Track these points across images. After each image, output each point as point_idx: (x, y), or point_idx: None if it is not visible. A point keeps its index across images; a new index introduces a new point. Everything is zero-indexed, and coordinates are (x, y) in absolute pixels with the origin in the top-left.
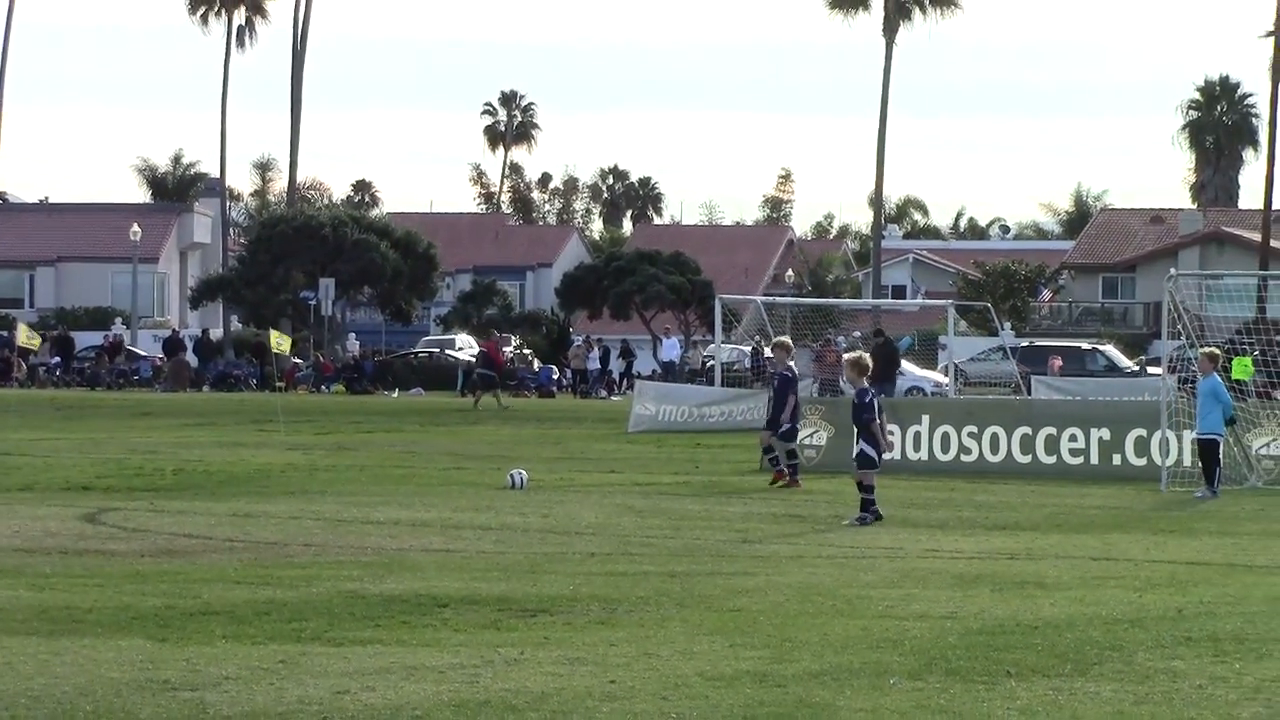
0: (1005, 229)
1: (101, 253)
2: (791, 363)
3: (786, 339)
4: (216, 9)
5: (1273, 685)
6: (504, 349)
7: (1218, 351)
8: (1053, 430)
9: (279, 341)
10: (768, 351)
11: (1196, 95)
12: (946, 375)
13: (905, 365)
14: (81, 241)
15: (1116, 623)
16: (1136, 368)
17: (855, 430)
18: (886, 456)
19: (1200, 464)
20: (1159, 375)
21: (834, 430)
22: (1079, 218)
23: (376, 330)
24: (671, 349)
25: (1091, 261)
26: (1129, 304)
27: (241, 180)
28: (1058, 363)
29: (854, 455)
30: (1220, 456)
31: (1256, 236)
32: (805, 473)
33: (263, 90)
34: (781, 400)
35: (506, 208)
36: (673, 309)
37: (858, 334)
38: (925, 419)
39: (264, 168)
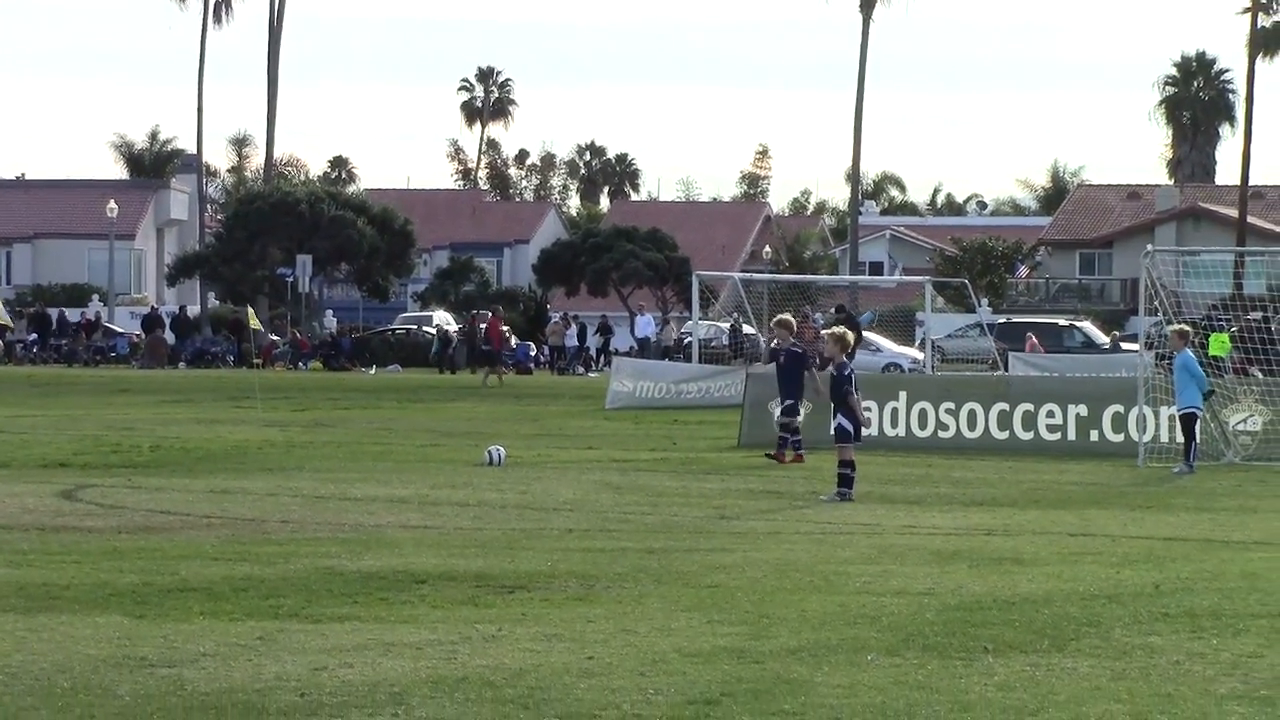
0: (982, 205)
1: (78, 229)
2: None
3: (788, 316)
4: None
5: (1249, 661)
6: (504, 326)
7: (1188, 328)
8: (1030, 406)
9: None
10: (746, 328)
11: (1173, 71)
12: (923, 351)
13: (881, 342)
14: (58, 218)
15: (1094, 598)
16: (1109, 344)
17: (833, 405)
18: (864, 433)
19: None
20: (1134, 351)
21: (811, 406)
22: (1056, 194)
23: (354, 307)
24: (646, 326)
25: (1068, 238)
26: (1106, 280)
27: (218, 157)
28: (1032, 341)
29: (832, 429)
30: (1196, 432)
31: (1233, 212)
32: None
33: (240, 66)
34: (796, 377)
35: (484, 184)
36: (650, 286)
37: (834, 310)
38: (903, 395)
39: (240, 143)
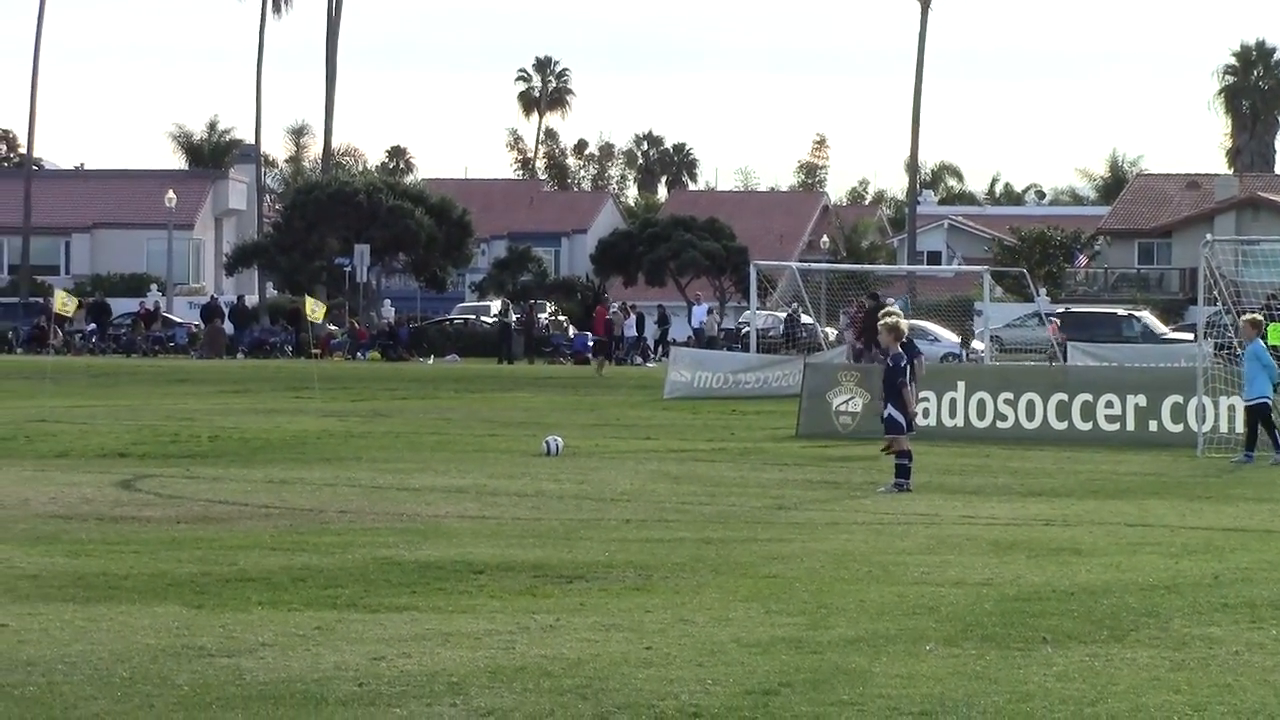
0: (1041, 195)
1: (137, 219)
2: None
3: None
4: None
5: None
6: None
7: (1260, 318)
8: (1089, 397)
9: (314, 309)
10: (804, 318)
11: (1232, 60)
12: (982, 341)
13: (939, 331)
14: (117, 208)
15: (1153, 589)
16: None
17: (884, 395)
18: (920, 423)
19: (1246, 430)
20: (1190, 340)
21: (869, 396)
22: (1115, 183)
23: (411, 297)
24: (701, 315)
25: (1127, 227)
26: (1165, 270)
27: (277, 147)
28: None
29: (882, 419)
30: (1275, 421)
31: None
32: (841, 440)
33: (298, 56)
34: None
35: (541, 174)
36: (708, 275)
37: (891, 300)
38: (961, 385)
39: (299, 133)
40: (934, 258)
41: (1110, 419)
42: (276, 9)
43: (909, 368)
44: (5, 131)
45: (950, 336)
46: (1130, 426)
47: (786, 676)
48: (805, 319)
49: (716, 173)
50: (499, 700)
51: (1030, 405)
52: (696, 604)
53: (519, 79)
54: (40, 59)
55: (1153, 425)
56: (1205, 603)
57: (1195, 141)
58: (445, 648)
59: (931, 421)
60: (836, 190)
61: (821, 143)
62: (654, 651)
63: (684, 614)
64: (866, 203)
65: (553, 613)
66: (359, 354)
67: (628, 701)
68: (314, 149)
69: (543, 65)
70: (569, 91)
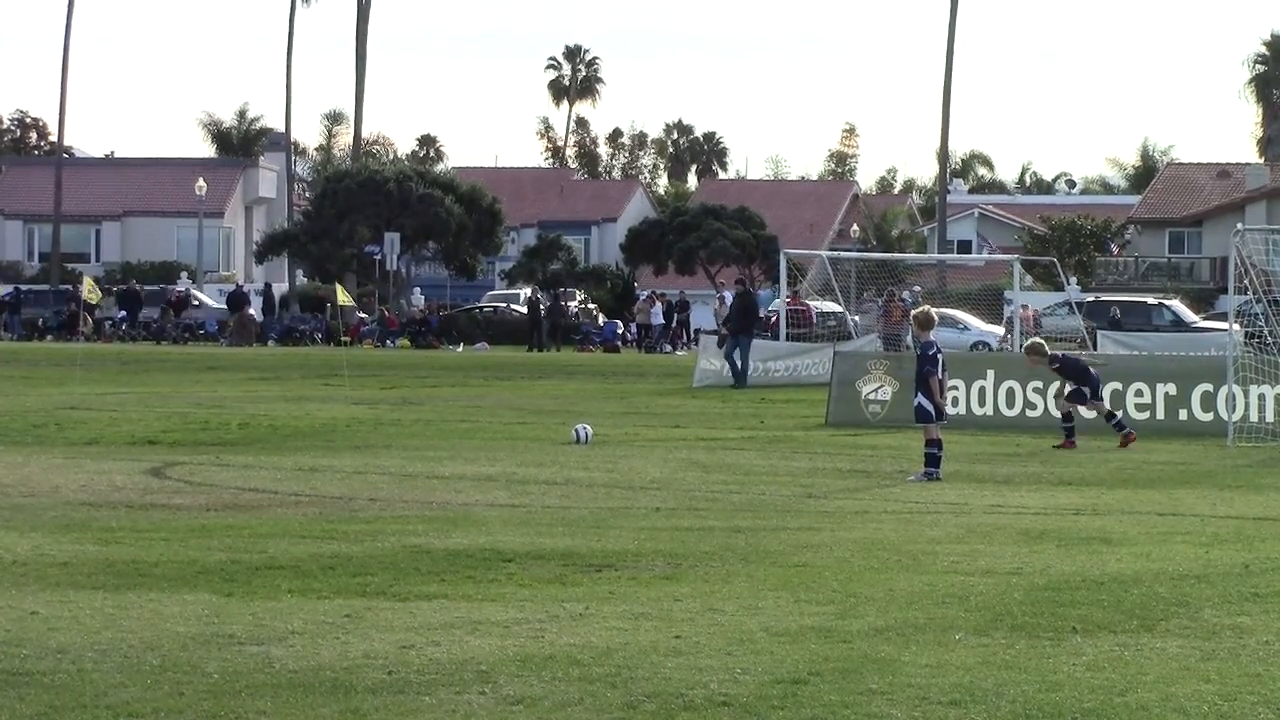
0: (1071, 184)
1: (167, 207)
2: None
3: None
4: None
5: None
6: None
7: None
8: (1118, 385)
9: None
10: (834, 306)
11: (1263, 49)
12: (1012, 330)
13: (969, 319)
14: (147, 196)
15: (1183, 578)
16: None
17: (915, 384)
18: (950, 412)
19: None
20: (1221, 329)
21: (899, 385)
22: (1145, 172)
23: (441, 285)
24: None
25: (1158, 216)
26: (1195, 259)
27: (307, 135)
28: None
29: (914, 408)
30: None
31: None
32: (870, 428)
33: (329, 44)
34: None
35: (571, 163)
36: (737, 264)
37: (918, 289)
38: (990, 374)
39: (334, 120)
40: (964, 247)
41: (1140, 408)
42: None
43: (940, 357)
44: (36, 119)
45: (979, 324)
46: (1160, 415)
47: (816, 665)
48: (835, 307)
49: (747, 161)
50: (528, 689)
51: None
52: (726, 593)
53: (549, 67)
54: (70, 47)
55: (1183, 414)
56: (1235, 592)
57: (1226, 130)
58: (474, 636)
59: (961, 410)
60: (866, 179)
61: (851, 131)
62: (683, 640)
63: (713, 603)
64: (896, 192)
65: (582, 601)
66: (389, 342)
67: (657, 690)
68: (345, 137)
69: (573, 54)
70: (599, 80)
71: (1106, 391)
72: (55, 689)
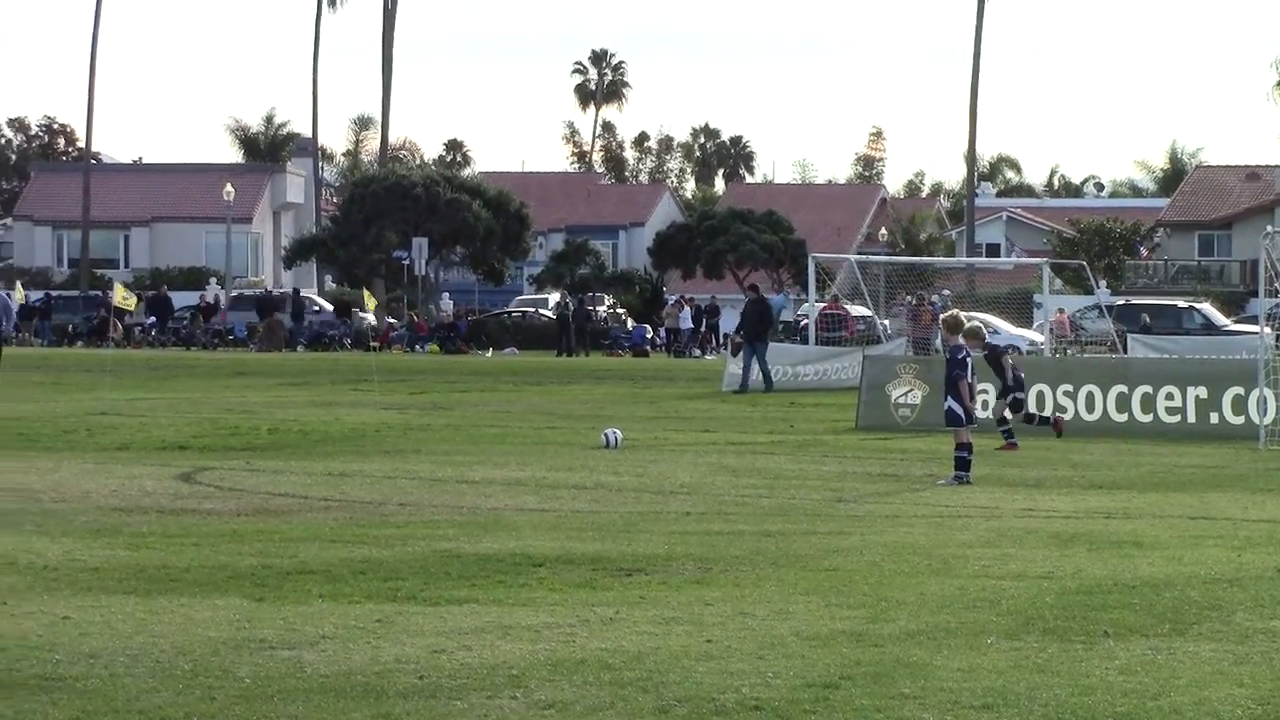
0: (1100, 187)
1: (195, 213)
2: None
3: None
4: None
5: None
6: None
7: None
8: (1149, 389)
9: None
10: (862, 310)
11: None
12: (1041, 334)
13: (1000, 324)
14: (175, 202)
15: (1215, 582)
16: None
17: (944, 388)
18: (980, 415)
19: None
20: (1253, 333)
21: (929, 389)
22: (1174, 175)
23: (470, 290)
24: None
25: (1187, 219)
26: (1225, 262)
27: (334, 140)
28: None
29: (944, 412)
30: None
31: None
32: (899, 432)
33: (354, 49)
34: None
35: (598, 167)
36: (766, 268)
37: (947, 292)
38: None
39: (361, 125)
40: (993, 250)
41: (1171, 411)
42: (332, 2)
43: (969, 361)
44: (64, 126)
45: (1011, 329)
46: (1191, 419)
47: (847, 670)
48: (863, 311)
49: (774, 165)
50: (559, 693)
51: (1090, 397)
52: (756, 597)
53: (575, 72)
54: (98, 53)
55: (1214, 418)
56: (1268, 596)
57: (1255, 133)
58: (505, 640)
59: (990, 414)
60: (894, 183)
61: (878, 135)
62: (714, 644)
63: (744, 607)
64: (924, 195)
65: (612, 605)
66: (418, 347)
67: (688, 694)
68: (373, 142)
69: (599, 58)
70: (625, 84)
71: (1137, 395)
72: (87, 694)
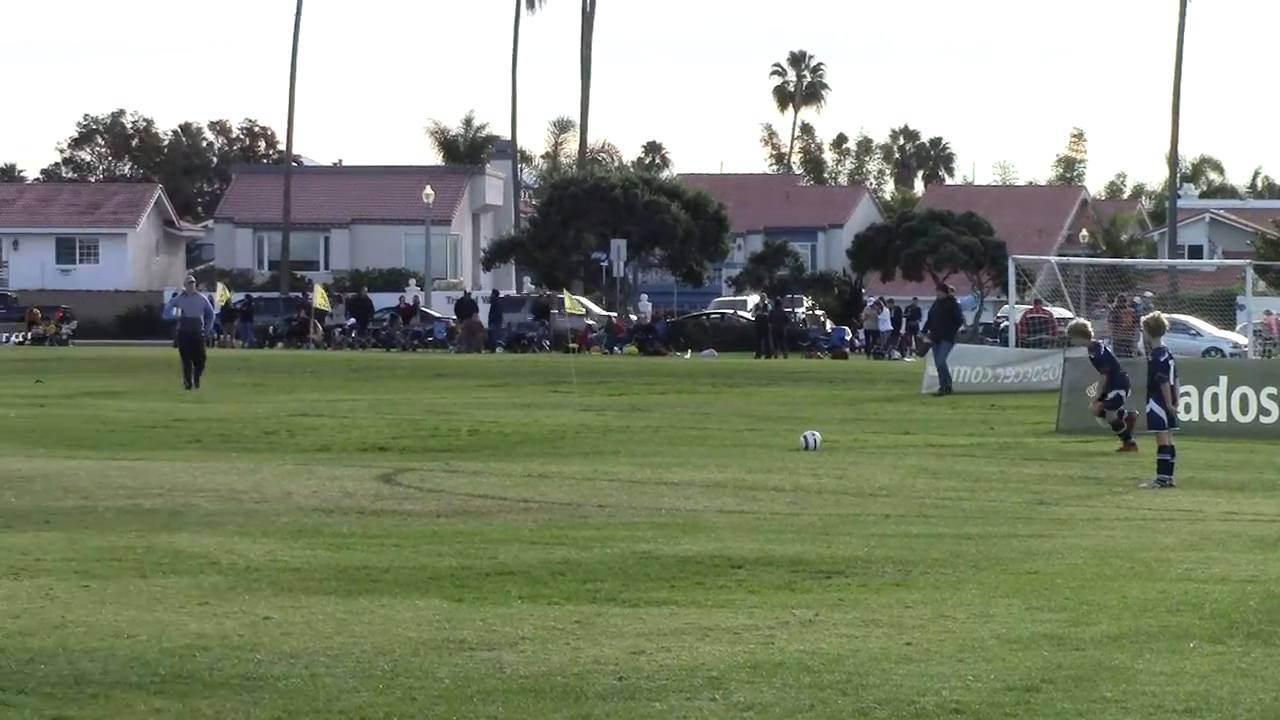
0: None
1: (395, 215)
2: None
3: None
4: None
5: None
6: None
7: None
8: None
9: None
10: (1063, 312)
11: None
12: (1244, 336)
13: (1202, 326)
14: (375, 204)
15: None
16: None
17: (1147, 391)
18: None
19: None
20: None
21: (1130, 391)
22: None
23: (668, 291)
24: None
25: None
26: None
27: (532, 142)
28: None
29: (1146, 415)
30: None
31: None
32: (1101, 435)
33: (553, 52)
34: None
35: (797, 169)
36: (965, 269)
37: (1149, 294)
38: (1223, 380)
39: (561, 127)
40: (1195, 252)
41: None
42: (530, 5)
43: (1171, 364)
44: (265, 129)
45: (1213, 331)
46: None
47: (1048, 673)
48: (1064, 313)
49: (974, 167)
50: (759, 695)
51: None
52: (956, 600)
53: (774, 73)
54: (298, 57)
55: None
56: None
57: None
58: (704, 642)
59: (1194, 416)
60: (1095, 184)
61: (1079, 136)
62: (914, 647)
63: (944, 610)
64: (1125, 197)
65: (811, 608)
66: (616, 348)
67: (888, 697)
68: (572, 144)
69: (797, 60)
70: (824, 86)
71: None
72: (288, 693)
